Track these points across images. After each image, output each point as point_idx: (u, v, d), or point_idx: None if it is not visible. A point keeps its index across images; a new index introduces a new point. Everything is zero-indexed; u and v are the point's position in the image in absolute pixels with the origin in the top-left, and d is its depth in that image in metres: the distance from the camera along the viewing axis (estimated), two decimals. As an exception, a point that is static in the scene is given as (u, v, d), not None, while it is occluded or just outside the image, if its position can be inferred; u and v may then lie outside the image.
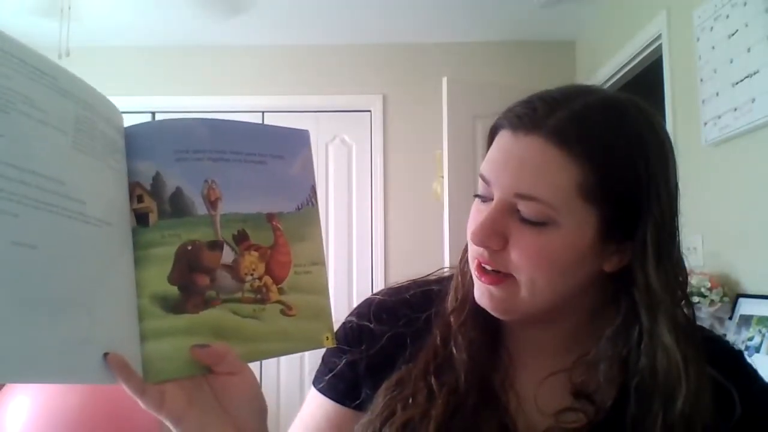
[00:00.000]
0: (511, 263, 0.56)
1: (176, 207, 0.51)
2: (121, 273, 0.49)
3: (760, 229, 1.76)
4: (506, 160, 0.57)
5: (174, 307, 0.50)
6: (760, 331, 1.66)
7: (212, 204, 0.52)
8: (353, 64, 3.48)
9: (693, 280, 1.86)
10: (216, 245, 0.52)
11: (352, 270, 3.38)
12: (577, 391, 0.60)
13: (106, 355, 0.45)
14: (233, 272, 0.53)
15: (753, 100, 1.73)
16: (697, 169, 2.10)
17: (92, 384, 0.48)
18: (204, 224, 0.52)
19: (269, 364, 3.13)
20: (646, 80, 2.67)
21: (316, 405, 0.69)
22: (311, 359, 0.68)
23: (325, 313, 0.57)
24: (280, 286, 0.55)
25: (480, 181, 0.60)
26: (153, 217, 0.51)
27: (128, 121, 0.52)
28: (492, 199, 0.58)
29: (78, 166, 0.46)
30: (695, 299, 1.83)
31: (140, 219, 0.51)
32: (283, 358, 3.00)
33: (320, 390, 0.68)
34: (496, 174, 0.57)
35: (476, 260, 0.59)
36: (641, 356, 0.57)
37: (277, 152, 0.57)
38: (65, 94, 0.46)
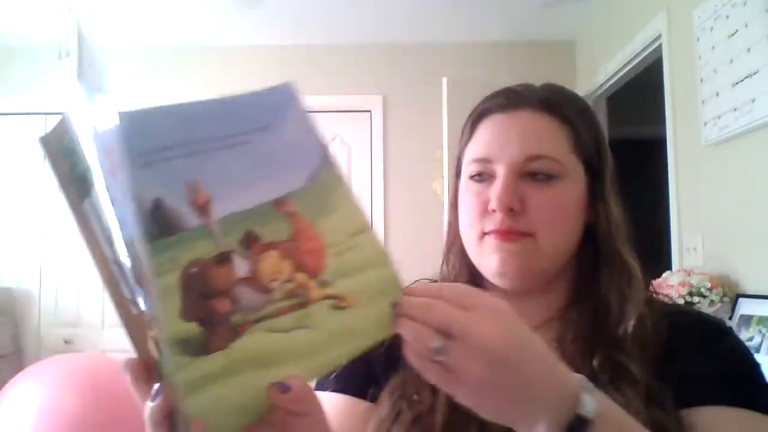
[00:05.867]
0: (530, 222, 0.62)
1: (162, 224, 0.39)
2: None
3: (760, 229, 1.76)
4: (507, 134, 0.65)
5: (199, 347, 0.39)
6: (760, 331, 1.66)
7: (203, 209, 0.41)
8: (353, 64, 3.48)
9: (693, 280, 1.86)
10: (223, 258, 0.41)
11: (352, 270, 3.37)
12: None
13: None
14: (254, 284, 0.42)
15: (753, 100, 1.73)
16: (697, 169, 2.10)
17: None
18: (201, 237, 0.40)
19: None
20: (646, 80, 2.67)
21: (326, 403, 0.67)
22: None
23: (391, 283, 0.45)
24: (320, 278, 0.44)
25: (474, 164, 0.66)
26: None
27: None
28: (490, 176, 0.64)
29: None
30: (695, 299, 1.83)
31: None
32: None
33: (333, 390, 0.66)
34: (499, 149, 0.64)
35: (493, 231, 0.63)
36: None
37: (258, 123, 0.45)
38: None
